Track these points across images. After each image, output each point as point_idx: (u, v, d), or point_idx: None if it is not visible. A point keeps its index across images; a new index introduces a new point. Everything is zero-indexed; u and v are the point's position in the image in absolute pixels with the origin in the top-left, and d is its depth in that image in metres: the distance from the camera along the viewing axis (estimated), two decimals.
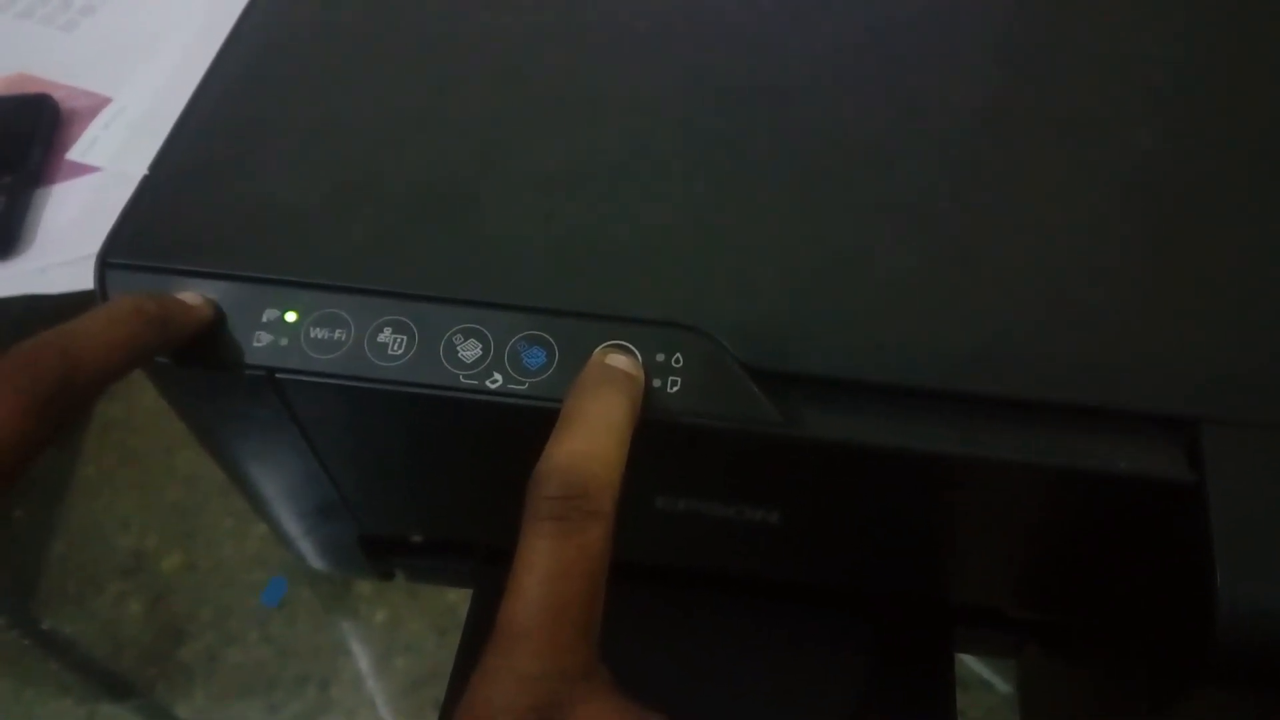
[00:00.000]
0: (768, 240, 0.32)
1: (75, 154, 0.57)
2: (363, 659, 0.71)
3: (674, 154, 0.35)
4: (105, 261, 0.33)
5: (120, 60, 0.61)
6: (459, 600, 0.73)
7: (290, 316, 0.31)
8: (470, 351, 0.31)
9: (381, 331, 0.31)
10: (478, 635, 0.43)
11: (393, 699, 0.69)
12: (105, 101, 0.59)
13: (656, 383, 0.30)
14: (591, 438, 0.26)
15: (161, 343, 0.29)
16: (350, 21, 0.40)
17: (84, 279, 0.32)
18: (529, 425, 0.30)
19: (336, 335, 0.31)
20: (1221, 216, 0.33)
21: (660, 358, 0.30)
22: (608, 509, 0.25)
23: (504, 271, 0.32)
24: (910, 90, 0.36)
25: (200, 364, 0.31)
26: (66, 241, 0.53)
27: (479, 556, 0.44)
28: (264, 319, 0.31)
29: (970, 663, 0.65)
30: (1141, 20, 0.39)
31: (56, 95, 0.59)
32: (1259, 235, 0.32)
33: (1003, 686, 0.64)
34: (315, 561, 0.45)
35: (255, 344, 0.31)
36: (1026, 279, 0.31)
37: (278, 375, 0.31)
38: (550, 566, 0.24)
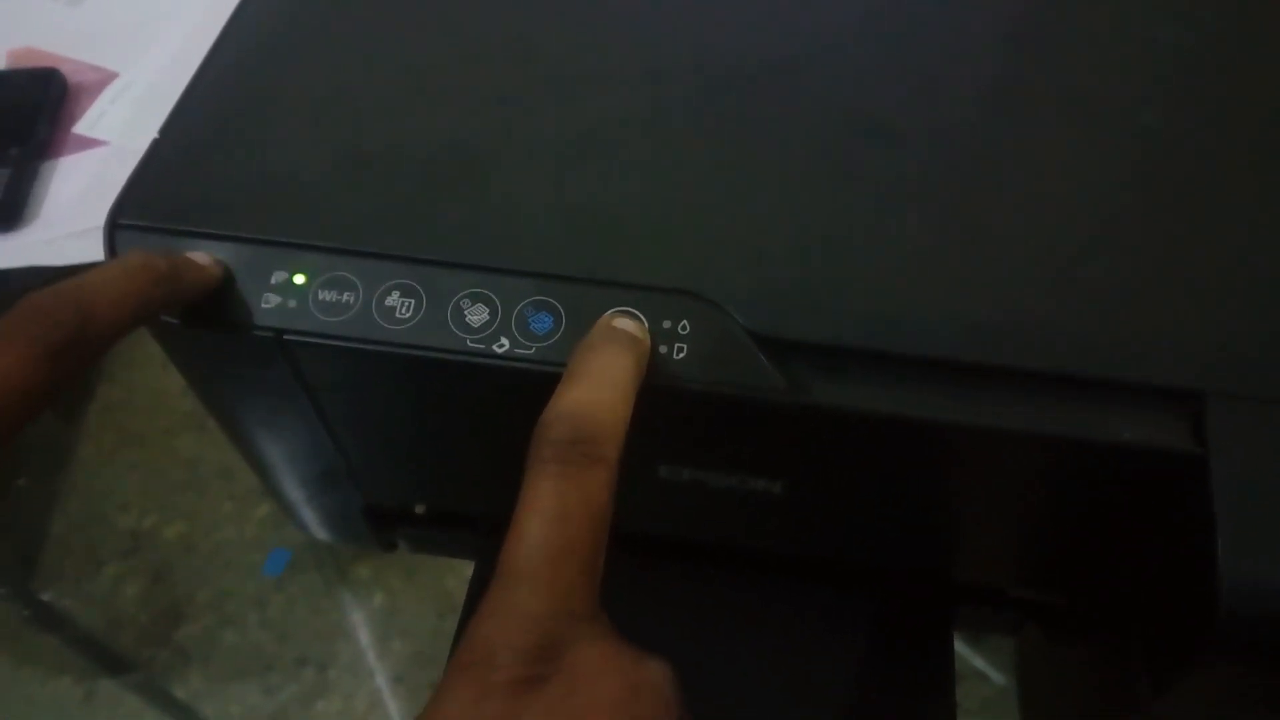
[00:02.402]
0: (775, 210, 0.33)
1: (82, 128, 0.57)
2: (361, 641, 0.71)
3: (683, 125, 0.35)
4: (115, 223, 0.33)
5: (127, 35, 0.61)
6: (457, 585, 0.73)
7: (299, 279, 0.32)
8: (478, 316, 0.31)
9: (390, 295, 0.31)
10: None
11: (390, 681, 0.69)
12: (112, 76, 0.59)
13: (663, 349, 0.30)
14: (598, 389, 0.26)
15: (171, 299, 0.29)
16: None
17: (90, 250, 0.32)
18: (535, 389, 0.30)
19: (345, 298, 0.31)
20: (1227, 194, 0.33)
21: (667, 324, 0.30)
22: (612, 456, 0.25)
23: (512, 237, 0.32)
24: (920, 67, 0.37)
25: (208, 325, 0.31)
26: (73, 213, 0.53)
27: (482, 529, 0.44)
28: (272, 281, 0.32)
29: (966, 655, 0.65)
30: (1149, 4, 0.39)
31: (64, 70, 0.59)
32: (1264, 213, 0.32)
33: (998, 678, 0.64)
34: (318, 531, 0.45)
35: (264, 305, 0.31)
36: (1033, 252, 0.32)
37: (285, 337, 0.31)
38: (554, 508, 0.24)
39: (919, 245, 0.32)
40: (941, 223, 0.32)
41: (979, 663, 0.65)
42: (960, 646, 0.64)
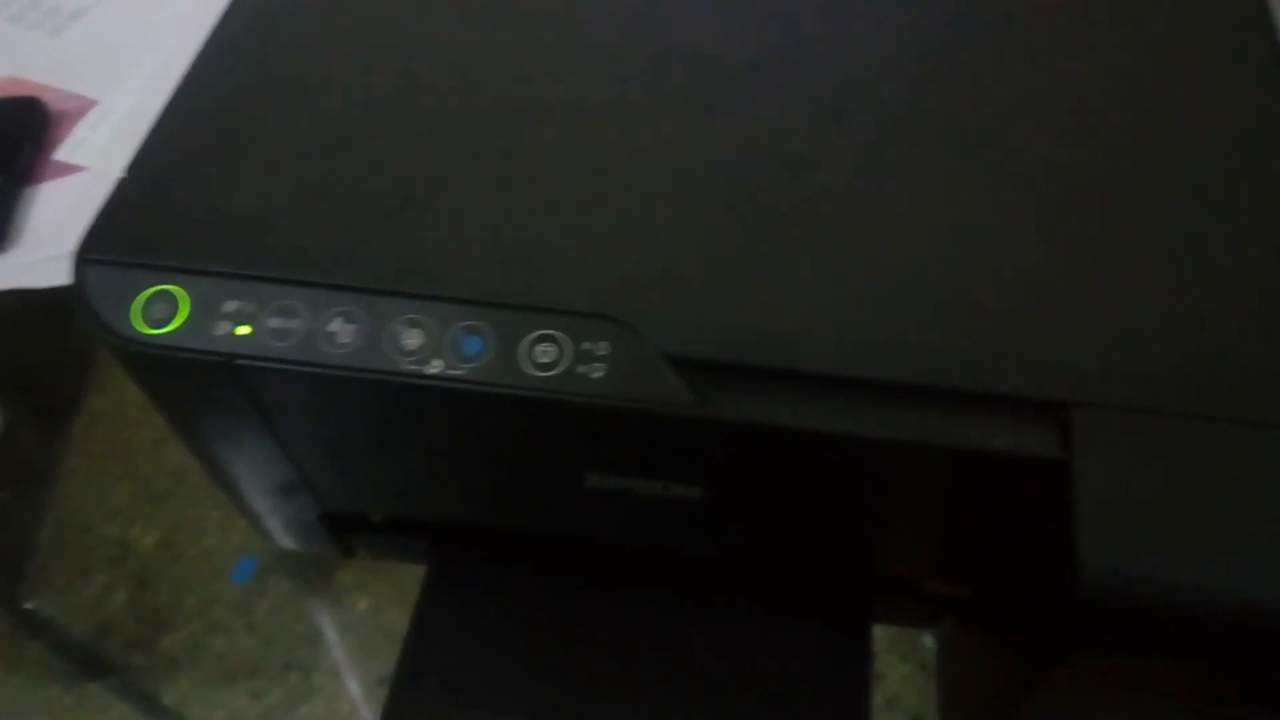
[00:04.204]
0: (688, 236, 0.35)
1: (63, 154, 0.60)
2: (345, 647, 0.72)
3: (606, 157, 0.38)
4: (81, 258, 0.36)
5: (107, 64, 0.64)
6: None
7: (250, 308, 0.34)
8: (412, 340, 0.34)
9: (332, 321, 0.34)
10: (431, 608, 0.46)
11: (373, 686, 0.71)
12: (92, 104, 0.62)
13: (583, 368, 0.33)
14: None
15: None
16: (318, 32, 0.43)
17: (70, 274, 0.35)
18: (466, 407, 0.33)
19: (292, 325, 0.34)
20: (1103, 219, 0.36)
21: (586, 346, 0.33)
22: None
23: (446, 266, 0.35)
24: (834, 98, 0.39)
25: (167, 351, 0.34)
26: (53, 238, 0.55)
27: (434, 534, 0.47)
28: (226, 310, 0.34)
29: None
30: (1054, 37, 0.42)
31: (46, 98, 0.61)
32: (1134, 236, 0.35)
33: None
34: (282, 540, 0.48)
35: (217, 333, 0.34)
36: (923, 274, 0.34)
37: (237, 361, 0.34)
38: None
39: (817, 269, 0.34)
40: (839, 247, 0.35)
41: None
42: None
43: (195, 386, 0.36)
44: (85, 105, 0.62)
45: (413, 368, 0.33)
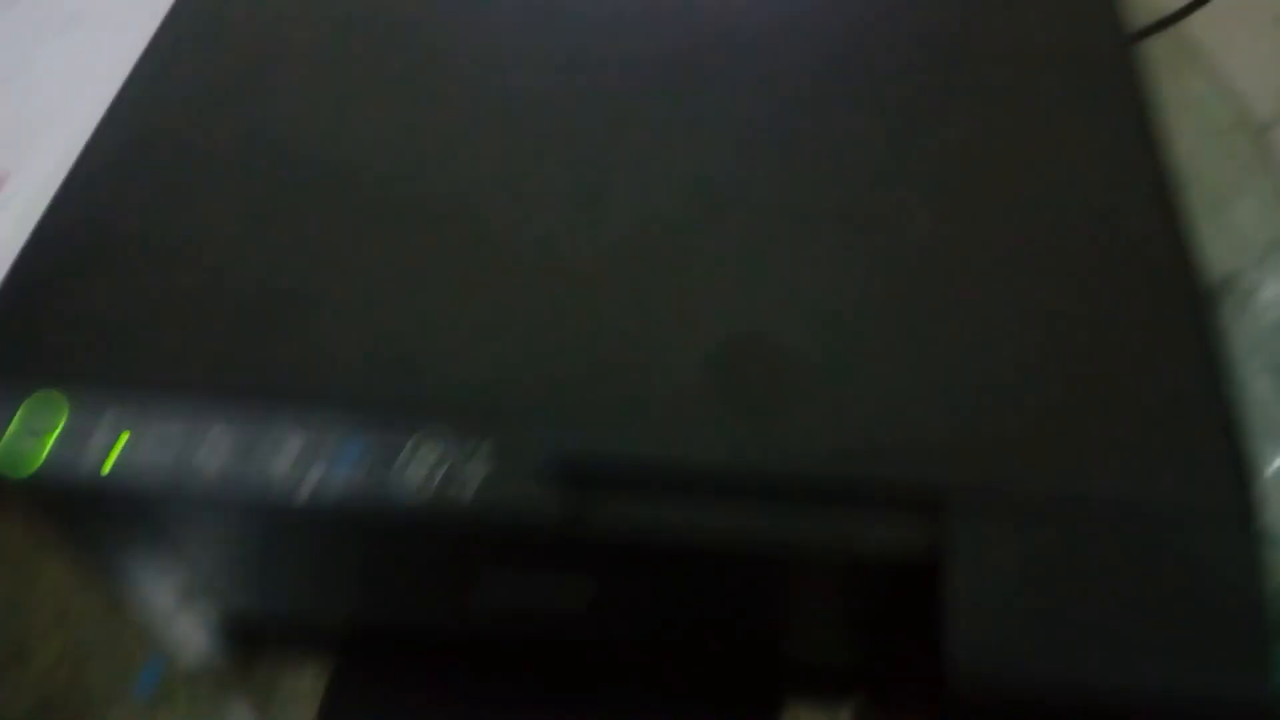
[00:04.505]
0: (564, 337, 0.36)
1: None
2: None
3: (488, 255, 0.38)
4: None
5: (18, 137, 0.63)
6: None
7: (124, 421, 0.34)
8: (291, 448, 0.33)
9: (210, 430, 0.34)
10: (335, 709, 0.45)
11: None
12: (2, 177, 0.61)
13: (460, 476, 0.33)
14: None
15: None
16: (204, 126, 0.43)
17: None
18: (344, 516, 0.33)
19: (168, 436, 0.34)
20: (970, 302, 0.36)
21: (465, 452, 0.33)
22: None
23: (325, 370, 0.35)
24: (698, 179, 0.40)
25: (36, 475, 0.33)
26: None
27: (334, 638, 0.47)
28: (100, 424, 0.34)
29: None
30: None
31: None
32: (1003, 320, 0.36)
33: None
34: (185, 650, 0.48)
35: (89, 450, 0.34)
36: (792, 364, 0.35)
37: (111, 475, 0.33)
38: None
39: (691, 367, 0.35)
40: (707, 344, 0.35)
41: None
42: None
43: (78, 508, 0.35)
44: None
45: (289, 479, 0.33)
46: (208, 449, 0.34)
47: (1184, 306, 0.36)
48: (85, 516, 0.37)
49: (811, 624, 0.40)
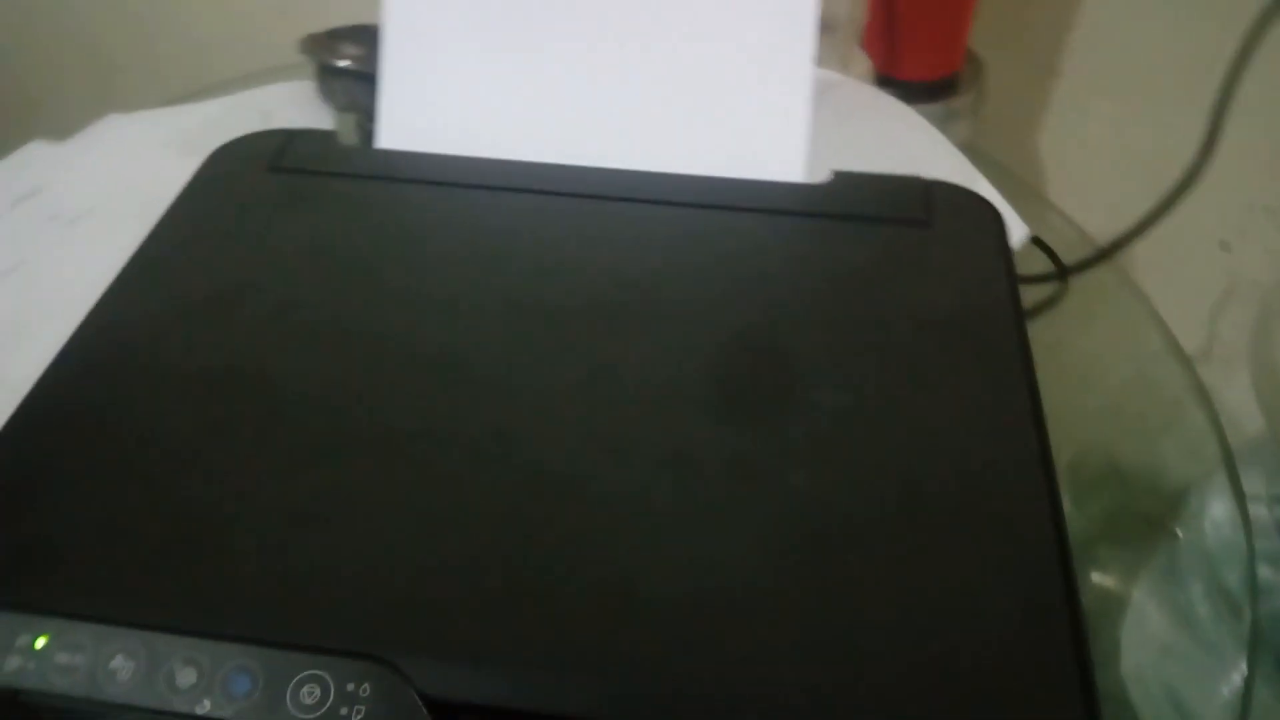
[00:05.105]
0: (460, 576, 0.38)
1: None
2: None
3: (391, 493, 0.40)
4: None
5: (11, 331, 0.67)
6: None
7: (40, 643, 0.36)
8: (186, 678, 0.35)
9: (114, 658, 0.36)
10: None
11: None
12: None
13: (344, 710, 0.35)
14: None
15: None
16: (155, 351, 0.46)
17: None
18: None
19: (76, 660, 0.36)
20: (843, 562, 0.38)
21: (350, 687, 0.35)
22: None
23: (220, 604, 0.37)
24: (610, 436, 0.42)
25: None
26: None
27: None
28: (16, 644, 0.36)
29: None
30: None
31: None
32: (873, 586, 0.38)
33: None
34: None
35: (6, 667, 0.36)
36: (664, 618, 0.36)
37: (20, 697, 0.36)
38: None
39: (581, 609, 0.36)
40: (606, 586, 0.37)
41: None
42: None
43: None
44: None
45: (183, 708, 0.35)
46: (109, 676, 0.36)
47: (1056, 575, 0.38)
48: None
49: None
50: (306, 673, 0.35)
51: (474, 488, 0.40)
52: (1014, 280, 0.50)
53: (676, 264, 0.50)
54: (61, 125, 0.85)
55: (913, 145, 0.73)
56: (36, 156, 0.82)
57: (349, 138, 0.67)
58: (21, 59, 1.37)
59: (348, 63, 0.83)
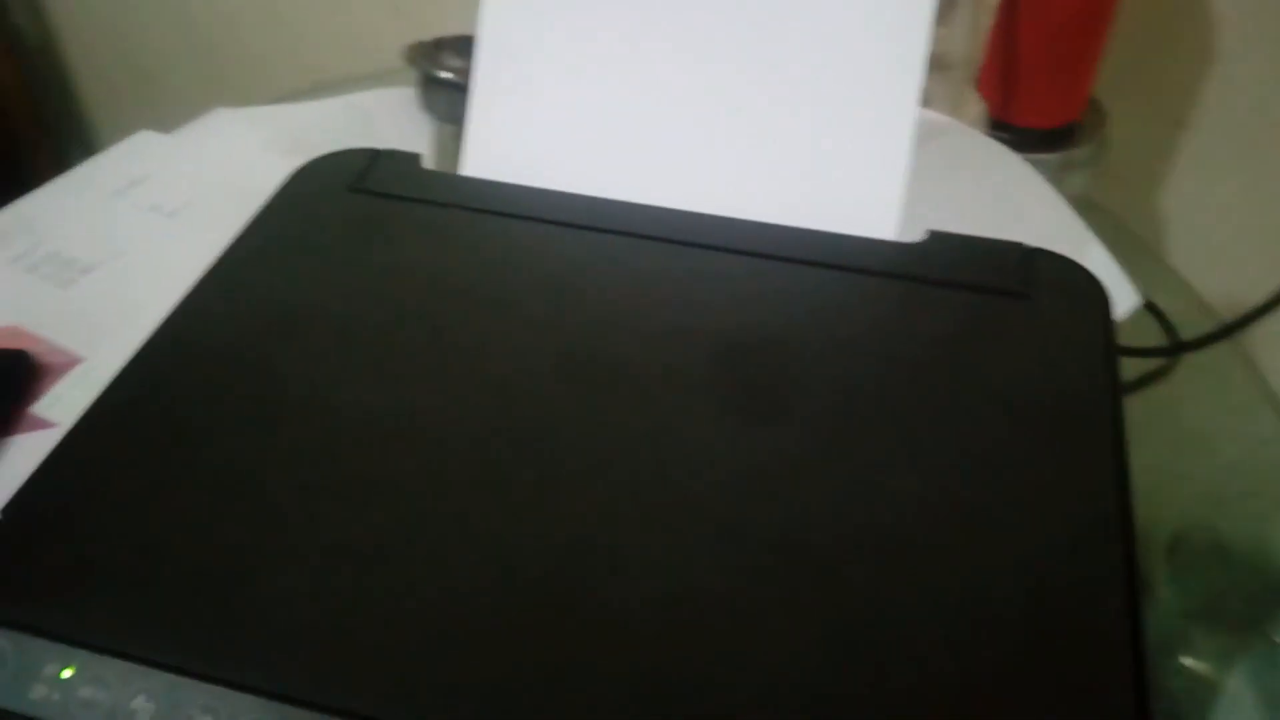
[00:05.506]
0: (488, 649, 0.36)
1: (40, 408, 0.64)
2: None
3: (431, 553, 0.39)
4: None
5: (105, 322, 0.68)
6: None
7: (66, 673, 0.36)
8: None
9: (136, 698, 0.35)
10: None
11: None
12: (78, 361, 0.66)
13: None
14: None
15: None
16: (231, 370, 0.46)
17: None
18: None
19: (99, 696, 0.36)
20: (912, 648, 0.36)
21: None
22: None
23: (248, 654, 0.36)
24: (647, 502, 0.40)
25: None
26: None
27: None
28: (44, 673, 0.36)
29: None
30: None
31: (38, 350, 0.66)
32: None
33: None
34: None
35: (31, 695, 0.36)
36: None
37: None
38: None
39: (599, 692, 0.35)
40: (630, 669, 0.35)
41: None
42: None
43: None
44: (71, 362, 0.66)
45: None
46: (129, 716, 0.35)
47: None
48: None
49: None
50: None
51: (527, 554, 0.39)
52: (1114, 365, 0.47)
53: (749, 323, 0.48)
54: (170, 116, 0.86)
55: (1022, 202, 0.70)
56: (144, 146, 0.84)
57: (447, 150, 0.67)
58: (137, 48, 1.42)
59: (450, 75, 0.83)
